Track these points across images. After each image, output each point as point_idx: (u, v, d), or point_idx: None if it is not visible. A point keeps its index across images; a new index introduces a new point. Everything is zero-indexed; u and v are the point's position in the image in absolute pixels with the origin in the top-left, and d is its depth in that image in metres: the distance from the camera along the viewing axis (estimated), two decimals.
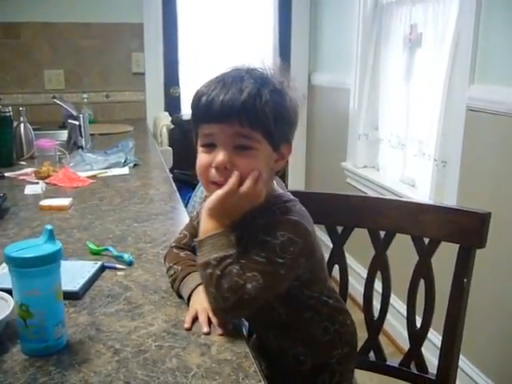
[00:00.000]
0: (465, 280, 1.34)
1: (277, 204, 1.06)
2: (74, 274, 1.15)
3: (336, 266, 1.52)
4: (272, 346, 1.18)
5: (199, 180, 1.07)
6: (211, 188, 1.04)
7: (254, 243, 1.01)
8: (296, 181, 4.00)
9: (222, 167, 1.00)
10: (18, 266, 0.86)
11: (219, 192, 1.01)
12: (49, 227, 0.91)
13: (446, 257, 1.38)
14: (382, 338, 1.52)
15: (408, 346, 1.45)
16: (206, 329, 0.98)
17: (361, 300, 1.52)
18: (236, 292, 0.95)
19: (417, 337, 1.43)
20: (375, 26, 2.93)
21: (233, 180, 1.00)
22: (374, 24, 2.94)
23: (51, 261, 0.88)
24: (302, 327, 1.15)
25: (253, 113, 0.98)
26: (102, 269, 1.23)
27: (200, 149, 1.05)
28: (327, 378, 1.18)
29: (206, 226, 1.02)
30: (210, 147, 1.02)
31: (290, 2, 3.77)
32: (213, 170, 1.02)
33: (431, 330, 1.42)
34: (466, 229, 1.32)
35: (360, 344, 1.48)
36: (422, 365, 1.43)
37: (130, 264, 1.26)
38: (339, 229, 1.51)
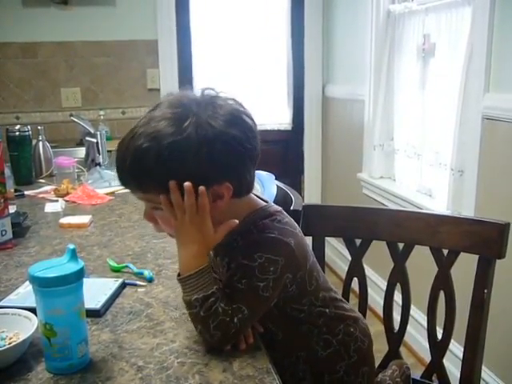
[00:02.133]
0: (485, 291, 1.33)
1: (254, 222, 1.04)
2: (95, 291, 1.16)
3: (355, 279, 1.52)
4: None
5: None
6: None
7: (234, 267, 1.00)
8: (312, 192, 4.00)
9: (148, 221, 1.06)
10: (42, 285, 0.88)
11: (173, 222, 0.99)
12: (71, 246, 0.93)
13: (466, 267, 1.37)
14: (402, 350, 1.52)
15: (429, 356, 1.44)
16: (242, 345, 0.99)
17: (381, 312, 1.52)
18: (222, 329, 0.95)
19: (438, 348, 1.42)
20: (388, 37, 2.94)
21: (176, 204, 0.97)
22: (387, 35, 2.95)
23: (74, 280, 0.89)
24: (301, 343, 1.12)
25: (137, 180, 0.97)
26: (123, 286, 1.24)
27: None
28: None
29: (184, 262, 1.00)
30: None
31: (303, 14, 3.79)
32: None
33: (453, 341, 1.42)
34: (485, 239, 1.32)
35: (381, 356, 1.48)
36: (444, 377, 1.42)
37: (150, 280, 1.27)
38: (357, 241, 1.51)
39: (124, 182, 1.00)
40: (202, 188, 0.95)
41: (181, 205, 0.96)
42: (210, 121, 0.94)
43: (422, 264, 1.58)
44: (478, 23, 2.14)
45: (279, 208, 1.11)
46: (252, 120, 1.02)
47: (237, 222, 1.00)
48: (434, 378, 1.44)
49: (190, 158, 0.93)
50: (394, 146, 3.01)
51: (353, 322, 1.18)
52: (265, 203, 1.10)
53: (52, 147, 2.54)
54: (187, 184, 0.94)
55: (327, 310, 1.13)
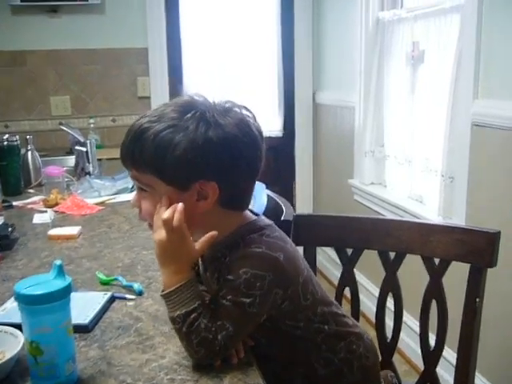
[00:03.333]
0: (477, 299, 1.33)
1: (242, 236, 1.02)
2: (83, 306, 1.15)
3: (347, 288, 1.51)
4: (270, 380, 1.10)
5: None
6: (148, 225, 1.06)
7: (221, 283, 0.99)
8: (303, 199, 3.99)
9: (133, 208, 1.06)
10: (28, 303, 0.86)
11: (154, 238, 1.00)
12: (58, 262, 0.91)
13: (458, 276, 1.37)
14: (395, 357, 1.51)
15: (422, 363, 1.44)
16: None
17: (374, 319, 1.51)
18: (206, 346, 0.94)
19: (431, 357, 1.41)
20: (377, 44, 2.94)
21: (156, 223, 0.99)
22: (377, 41, 2.95)
23: (61, 297, 0.88)
24: (299, 360, 1.11)
25: (132, 155, 0.98)
26: (112, 299, 1.23)
27: None
28: None
29: (165, 278, 0.99)
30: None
31: (293, 21, 3.79)
32: None
33: (446, 348, 1.41)
34: (476, 248, 1.31)
35: None
36: None
37: (139, 294, 1.26)
38: (349, 251, 1.50)
39: (124, 156, 1.01)
40: (180, 205, 0.95)
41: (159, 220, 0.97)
42: (217, 118, 0.97)
43: (414, 272, 1.57)
44: (467, 30, 2.15)
45: (270, 222, 1.09)
46: (260, 134, 1.03)
47: (216, 233, 0.98)
48: None
49: (184, 144, 0.95)
50: (385, 152, 3.01)
51: (356, 339, 1.15)
52: (255, 217, 1.08)
53: (41, 156, 2.52)
54: (165, 199, 0.98)
55: (326, 327, 1.10)
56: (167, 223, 0.95)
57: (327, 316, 1.11)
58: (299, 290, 1.05)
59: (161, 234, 0.97)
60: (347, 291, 1.51)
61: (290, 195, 3.91)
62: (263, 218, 1.10)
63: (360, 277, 1.51)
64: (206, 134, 0.95)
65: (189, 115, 0.96)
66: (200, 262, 1.12)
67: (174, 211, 0.95)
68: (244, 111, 1.02)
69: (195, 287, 0.98)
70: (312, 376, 1.11)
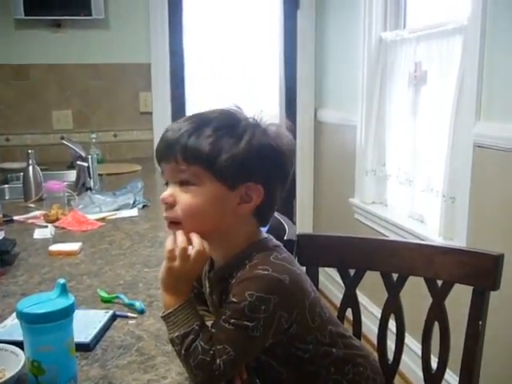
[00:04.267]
0: (480, 323, 1.32)
1: (250, 256, 1.01)
2: (85, 324, 1.14)
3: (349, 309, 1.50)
4: None
5: None
6: (168, 225, 1.04)
7: (225, 305, 0.98)
8: (304, 217, 3.99)
9: (163, 203, 1.01)
10: (30, 321, 0.86)
11: (164, 263, 1.00)
12: (62, 281, 0.91)
13: (460, 298, 1.36)
14: (397, 379, 1.50)
15: None
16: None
17: (375, 340, 1.50)
18: (204, 370, 0.93)
19: (433, 380, 1.40)
20: (380, 64, 2.96)
21: (167, 251, 0.99)
22: (379, 61, 2.97)
23: (64, 316, 0.87)
24: (309, 383, 1.10)
25: (186, 148, 0.97)
26: (114, 318, 1.22)
27: None
28: None
29: (165, 300, 1.00)
30: (167, 185, 1.04)
31: (296, 39, 3.82)
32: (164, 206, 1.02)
33: (448, 370, 1.40)
34: (480, 271, 1.31)
35: None
36: None
37: (141, 312, 1.25)
38: (351, 271, 1.50)
39: (173, 145, 0.99)
40: (197, 241, 0.98)
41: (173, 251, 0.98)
42: (264, 126, 1.03)
43: (416, 294, 1.56)
44: (469, 52, 2.16)
45: (278, 243, 1.08)
46: (293, 149, 1.08)
47: (205, 248, 0.99)
48: None
49: (244, 143, 0.98)
50: (386, 171, 3.01)
51: (363, 361, 1.15)
52: (265, 235, 1.09)
53: (42, 170, 2.52)
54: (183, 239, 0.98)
55: (334, 350, 1.10)
56: (183, 252, 0.97)
57: (335, 337, 1.11)
58: (306, 313, 1.04)
59: (173, 262, 0.98)
60: (349, 312, 1.50)
61: (290, 213, 3.91)
62: (272, 237, 1.09)
63: (361, 297, 1.51)
64: (262, 139, 1.00)
65: (243, 120, 1.02)
66: (207, 285, 1.11)
67: (188, 238, 0.98)
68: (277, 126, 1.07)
69: (193, 309, 0.99)
70: None
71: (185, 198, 0.99)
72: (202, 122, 1.00)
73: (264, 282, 0.96)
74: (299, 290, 1.02)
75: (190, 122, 1.00)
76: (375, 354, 1.28)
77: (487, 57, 2.08)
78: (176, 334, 0.96)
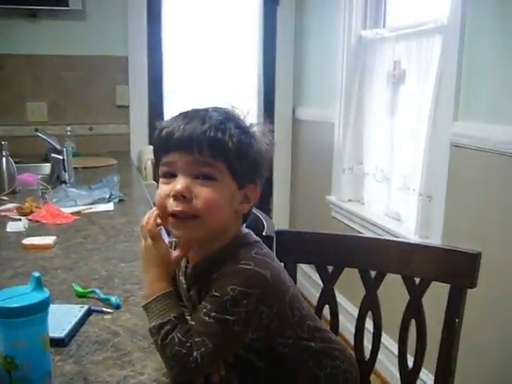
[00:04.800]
0: (456, 320, 1.33)
1: (231, 251, 1.01)
2: (59, 318, 1.11)
3: (326, 306, 1.50)
4: None
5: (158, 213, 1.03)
6: (169, 221, 0.99)
7: (206, 299, 0.97)
8: (280, 214, 3.99)
9: (180, 195, 0.96)
10: (5, 316, 0.83)
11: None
12: (36, 274, 0.88)
13: (437, 296, 1.36)
14: (372, 377, 1.50)
15: (399, 383, 1.43)
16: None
17: (351, 339, 1.50)
18: (179, 362, 0.92)
19: (409, 378, 1.40)
20: (359, 62, 2.96)
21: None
22: (358, 59, 2.97)
23: (39, 310, 0.85)
24: (289, 378, 1.10)
25: (214, 142, 0.96)
26: (89, 313, 1.19)
27: (160, 180, 1.02)
28: None
29: (146, 288, 1.01)
30: (170, 177, 0.99)
31: (275, 36, 3.81)
32: (171, 200, 0.97)
33: (423, 369, 1.41)
34: (457, 269, 1.32)
35: None
36: None
37: (117, 307, 1.23)
38: (329, 268, 1.49)
39: (198, 140, 0.96)
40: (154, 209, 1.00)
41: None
42: (260, 132, 1.05)
43: (394, 292, 1.57)
44: (448, 52, 2.18)
45: (258, 239, 1.08)
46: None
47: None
48: None
49: (257, 145, 1.02)
50: (364, 169, 3.02)
51: (339, 354, 1.16)
52: (246, 231, 1.08)
53: (16, 162, 2.47)
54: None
55: (312, 344, 1.10)
56: (143, 230, 1.01)
57: (313, 331, 1.11)
58: (286, 308, 1.04)
59: (141, 242, 1.01)
60: (325, 311, 1.50)
61: (266, 210, 3.90)
62: (252, 233, 1.09)
63: (338, 296, 1.50)
64: (262, 142, 1.03)
65: (245, 122, 1.02)
66: (183, 281, 1.10)
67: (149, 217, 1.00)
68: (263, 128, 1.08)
69: (172, 300, 0.98)
70: None
71: (207, 193, 0.96)
72: (222, 117, 0.99)
73: (246, 276, 0.96)
74: (280, 285, 1.02)
75: (211, 116, 0.98)
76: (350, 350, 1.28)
77: (466, 57, 2.09)
78: (153, 324, 0.96)
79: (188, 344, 0.92)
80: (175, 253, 1.04)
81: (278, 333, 1.04)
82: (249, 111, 1.06)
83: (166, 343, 0.93)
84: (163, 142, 1.00)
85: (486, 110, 2.02)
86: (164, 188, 0.99)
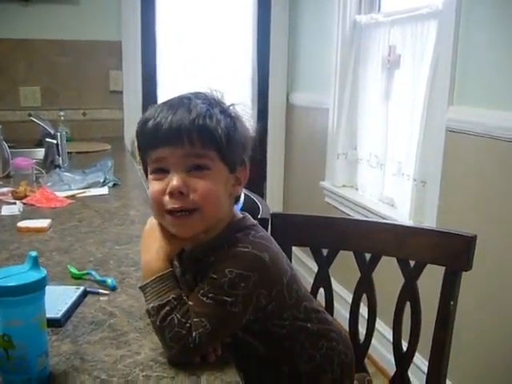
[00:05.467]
0: (451, 303, 1.33)
1: (227, 236, 1.01)
2: (55, 299, 1.11)
3: (321, 290, 1.50)
4: (253, 377, 1.09)
5: (152, 211, 1.03)
6: (166, 218, 0.99)
7: (203, 282, 0.97)
8: (274, 200, 3.99)
9: (177, 192, 0.95)
10: (1, 294, 0.83)
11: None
12: (33, 254, 0.88)
13: (432, 279, 1.37)
14: (366, 362, 1.51)
15: (390, 366, 1.44)
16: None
17: (345, 324, 1.51)
18: (178, 342, 0.92)
19: (403, 360, 1.42)
20: (354, 47, 2.96)
21: None
22: (353, 45, 2.96)
23: (36, 289, 0.85)
24: (284, 359, 1.10)
25: (204, 131, 0.95)
26: (85, 294, 1.19)
27: (150, 177, 1.00)
28: None
29: (143, 270, 1.01)
30: (162, 173, 0.97)
31: (269, 21, 3.78)
32: (167, 197, 0.96)
33: (417, 354, 1.41)
34: (453, 251, 1.32)
35: None
36: None
37: (113, 289, 1.23)
38: (324, 251, 1.50)
39: (189, 129, 0.95)
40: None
41: None
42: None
43: (388, 275, 1.57)
44: (444, 37, 2.17)
45: (255, 221, 1.08)
46: None
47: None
48: None
49: (243, 127, 1.03)
50: (358, 155, 3.02)
51: (336, 336, 1.16)
52: (242, 215, 1.08)
53: (9, 147, 2.46)
54: None
55: (309, 325, 1.11)
56: None
57: (310, 312, 1.11)
58: (284, 291, 1.04)
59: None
60: (320, 295, 1.51)
61: (260, 196, 3.89)
62: (249, 216, 1.09)
63: (332, 282, 1.51)
64: (246, 119, 1.04)
65: (227, 104, 1.03)
66: (177, 264, 1.09)
67: None
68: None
69: (172, 281, 0.97)
70: (295, 373, 1.10)
71: (203, 184, 0.96)
72: (206, 103, 0.98)
73: (244, 259, 0.96)
74: (278, 268, 1.02)
75: (196, 104, 0.97)
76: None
77: (461, 41, 2.09)
78: (151, 305, 0.95)
79: (187, 325, 0.92)
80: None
81: (275, 314, 1.04)
82: (223, 91, 1.05)
83: (165, 325, 0.93)
84: (151, 137, 0.97)
85: (482, 94, 2.02)
86: (157, 185, 0.98)
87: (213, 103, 1.00)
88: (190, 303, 0.95)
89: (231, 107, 1.03)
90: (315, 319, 1.13)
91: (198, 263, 1.02)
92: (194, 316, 0.93)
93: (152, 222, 1.04)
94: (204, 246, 1.02)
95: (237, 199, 1.08)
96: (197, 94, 1.01)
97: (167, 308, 0.94)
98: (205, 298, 0.94)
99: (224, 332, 0.98)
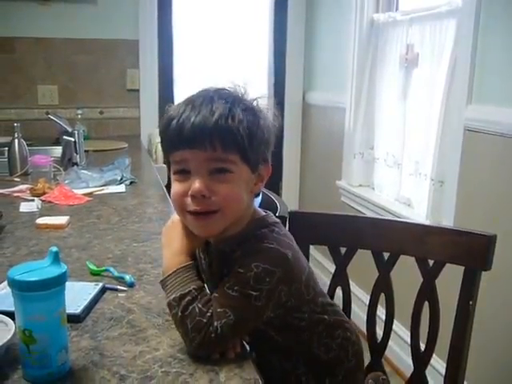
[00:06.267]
0: (470, 303, 1.32)
1: (253, 231, 1.02)
2: (74, 295, 1.12)
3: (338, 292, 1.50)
4: (274, 368, 1.13)
5: (174, 210, 1.05)
6: (188, 219, 1.01)
7: (230, 276, 0.98)
8: (290, 199, 3.98)
9: (199, 195, 0.96)
10: (23, 289, 0.83)
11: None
12: (54, 249, 0.89)
13: (450, 279, 1.36)
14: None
15: (405, 365, 1.43)
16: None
17: (362, 324, 1.50)
18: (200, 331, 0.92)
19: (421, 360, 1.40)
20: (371, 46, 2.94)
21: None
22: (370, 43, 2.95)
23: (56, 284, 0.85)
24: (303, 350, 1.12)
25: (226, 134, 0.95)
26: (103, 290, 1.20)
27: (173, 177, 1.01)
28: None
29: (165, 262, 1.02)
30: (184, 174, 0.98)
31: (286, 20, 3.78)
32: (188, 199, 0.98)
33: (435, 356, 1.40)
34: (472, 251, 1.31)
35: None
36: None
37: (131, 285, 1.23)
38: (342, 250, 1.49)
39: (210, 135, 0.94)
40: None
41: None
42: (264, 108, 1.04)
43: (405, 275, 1.56)
44: (463, 35, 2.15)
45: (277, 220, 1.09)
46: None
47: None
48: None
49: (264, 125, 1.01)
50: (374, 154, 3.01)
51: (349, 326, 1.19)
52: (266, 212, 1.09)
53: (27, 145, 2.48)
54: None
55: (326, 317, 1.13)
56: None
57: (325, 306, 1.14)
58: (302, 287, 1.06)
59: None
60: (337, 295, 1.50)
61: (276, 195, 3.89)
62: (271, 214, 1.10)
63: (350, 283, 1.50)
64: (267, 119, 1.03)
65: (250, 99, 1.02)
66: (201, 256, 1.12)
67: None
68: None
69: (193, 273, 0.99)
70: (314, 363, 1.12)
71: (225, 188, 0.97)
72: (229, 102, 0.97)
73: (270, 255, 0.98)
74: (298, 266, 1.04)
75: (218, 103, 0.96)
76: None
77: (481, 40, 2.07)
78: (173, 297, 0.96)
79: (208, 314, 0.93)
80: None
81: (293, 309, 1.05)
82: (247, 82, 1.06)
83: (187, 314, 0.94)
84: (173, 138, 0.98)
85: (501, 93, 2.00)
86: (179, 187, 0.99)
87: (236, 100, 0.99)
88: (215, 295, 0.96)
89: (254, 102, 1.03)
90: (331, 312, 1.15)
91: (225, 256, 1.03)
92: (218, 307, 0.94)
93: (174, 218, 1.06)
94: (230, 240, 1.03)
95: (257, 194, 1.09)
96: (220, 91, 1.01)
97: (188, 298, 0.95)
98: (230, 291, 0.95)
99: (246, 325, 0.98)
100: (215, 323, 0.92)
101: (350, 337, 1.17)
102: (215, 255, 1.08)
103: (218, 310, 0.93)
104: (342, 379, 1.15)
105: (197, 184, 0.96)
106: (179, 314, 0.94)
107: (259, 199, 1.48)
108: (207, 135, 0.94)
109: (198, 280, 0.99)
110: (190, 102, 0.99)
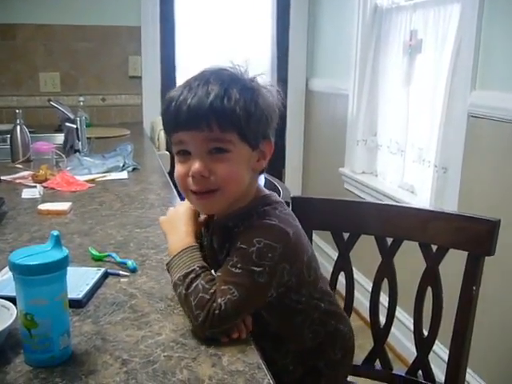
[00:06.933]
0: (474, 288, 1.32)
1: (256, 208, 1.03)
2: (77, 280, 1.12)
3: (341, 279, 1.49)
4: (266, 358, 1.13)
5: (179, 189, 1.07)
6: (191, 197, 1.04)
7: (232, 252, 0.99)
8: (293, 186, 3.96)
9: (199, 176, 0.98)
10: (24, 273, 0.83)
11: None
12: (55, 233, 0.88)
13: (454, 265, 1.35)
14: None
15: (408, 352, 1.43)
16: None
17: (363, 312, 1.50)
18: (203, 308, 0.93)
19: (424, 345, 1.40)
20: (374, 32, 2.92)
21: None
22: (373, 29, 2.92)
23: (58, 268, 0.85)
24: (294, 335, 1.12)
25: (222, 114, 0.96)
26: (105, 275, 1.20)
27: (176, 158, 1.04)
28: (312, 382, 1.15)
29: (171, 246, 1.05)
30: (185, 155, 1.01)
31: (289, 7, 3.75)
32: (190, 179, 1.00)
33: (438, 343, 1.40)
34: (476, 236, 1.30)
35: (365, 352, 1.46)
36: (428, 373, 1.40)
37: (133, 271, 1.23)
38: (345, 235, 1.49)
39: (206, 116, 0.95)
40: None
41: None
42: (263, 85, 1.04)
43: (408, 261, 1.56)
44: (466, 21, 2.13)
45: (280, 199, 1.10)
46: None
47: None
48: (418, 375, 1.43)
49: (263, 102, 1.00)
50: (377, 141, 2.99)
51: (344, 319, 1.20)
52: (269, 191, 1.10)
53: (29, 132, 2.47)
54: None
55: (322, 305, 1.13)
56: None
57: (324, 294, 1.14)
58: (303, 268, 1.06)
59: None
60: (341, 280, 1.50)
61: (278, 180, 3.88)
62: (276, 194, 1.11)
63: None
64: (268, 96, 1.02)
65: (249, 78, 1.02)
66: (204, 233, 1.13)
67: None
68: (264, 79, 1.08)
69: (197, 253, 1.01)
70: (300, 351, 1.12)
71: (224, 167, 0.98)
72: (225, 83, 0.98)
73: (272, 230, 0.99)
74: (300, 245, 1.05)
75: (214, 84, 0.97)
76: (357, 323, 1.28)
77: (485, 25, 2.05)
78: (177, 276, 0.98)
79: (212, 291, 0.94)
80: (202, 216, 1.10)
81: (293, 289, 1.06)
82: (247, 65, 1.06)
83: (190, 292, 0.95)
84: (171, 120, 1.00)
85: (505, 79, 1.98)
86: (181, 167, 1.02)
87: (233, 80, 1.00)
88: (219, 274, 0.97)
89: (253, 81, 1.03)
90: (327, 301, 1.15)
91: (227, 231, 1.04)
92: (222, 284, 0.95)
93: (178, 204, 1.11)
94: (233, 215, 1.04)
95: (261, 171, 1.09)
96: (217, 72, 1.02)
97: (192, 275, 0.96)
98: (234, 269, 0.95)
99: (249, 303, 0.98)
100: (219, 300, 0.93)
101: (342, 329, 1.17)
102: (217, 230, 1.09)
103: (222, 287, 0.94)
104: (324, 367, 1.15)
105: (196, 165, 0.98)
106: (183, 291, 0.96)
107: (262, 184, 1.48)
108: (203, 116, 0.96)
109: (202, 260, 1.00)
110: (188, 84, 1.00)
